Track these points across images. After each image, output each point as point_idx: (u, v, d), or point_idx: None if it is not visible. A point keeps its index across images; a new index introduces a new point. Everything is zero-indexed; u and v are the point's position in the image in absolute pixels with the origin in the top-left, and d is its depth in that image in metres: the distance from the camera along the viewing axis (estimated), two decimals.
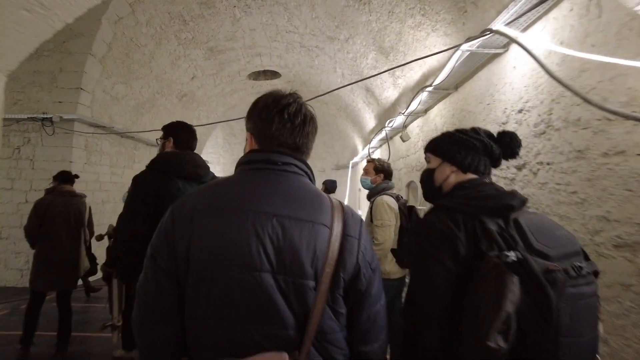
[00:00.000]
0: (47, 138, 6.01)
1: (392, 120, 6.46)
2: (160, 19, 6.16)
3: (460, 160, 1.32)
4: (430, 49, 4.85)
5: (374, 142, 8.43)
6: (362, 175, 3.60)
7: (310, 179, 1.12)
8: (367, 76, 5.22)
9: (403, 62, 5.92)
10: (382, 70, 5.58)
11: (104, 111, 6.54)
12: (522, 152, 3.02)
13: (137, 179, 2.15)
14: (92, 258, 4.04)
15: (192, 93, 9.62)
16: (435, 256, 1.12)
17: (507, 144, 1.34)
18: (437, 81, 4.18)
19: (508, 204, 1.15)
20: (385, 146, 8.18)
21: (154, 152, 5.26)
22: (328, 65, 8.91)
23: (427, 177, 1.43)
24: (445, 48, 3.92)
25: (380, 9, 5.40)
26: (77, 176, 4.06)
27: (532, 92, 2.97)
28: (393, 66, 6.51)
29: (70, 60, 5.86)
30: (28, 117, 5.98)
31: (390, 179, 3.52)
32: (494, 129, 1.43)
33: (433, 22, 4.49)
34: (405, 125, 6.23)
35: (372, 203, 3.41)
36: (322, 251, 0.96)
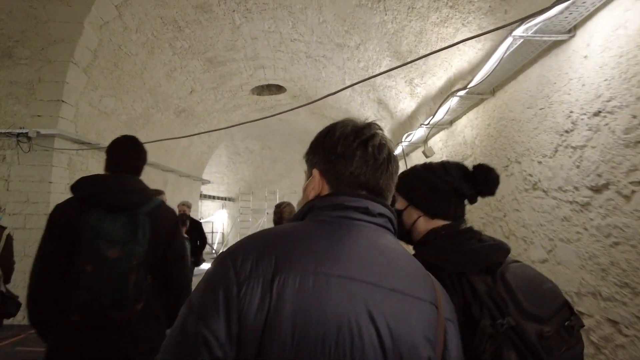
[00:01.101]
0: (24, 156, 5.36)
1: (410, 134, 5.74)
2: (152, 24, 5.56)
3: (427, 206, 1.21)
4: (460, 47, 4.15)
5: None
6: None
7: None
8: (366, 77, 4.52)
9: (422, 68, 5.24)
10: (387, 70, 4.88)
11: (90, 126, 5.88)
12: (604, 167, 2.26)
13: (53, 209, 1.77)
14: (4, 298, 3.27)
15: (191, 108, 9.01)
16: None
17: (483, 181, 1.21)
18: (476, 80, 3.45)
19: (497, 261, 1.09)
20: (400, 163, 7.48)
21: (149, 172, 4.53)
22: (336, 77, 8.27)
23: (398, 218, 1.18)
24: (480, 33, 3.19)
25: (398, 6, 4.74)
26: None
27: (618, 86, 2.22)
28: (408, 70, 5.83)
29: (49, 70, 5.24)
30: (1, 133, 5.34)
31: None
32: (552, 140, 1.18)
33: (464, 13, 3.80)
34: (427, 139, 5.49)
35: None
36: (435, 339, 0.76)
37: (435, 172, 1.22)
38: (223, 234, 16.25)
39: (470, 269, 1.06)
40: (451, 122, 5.11)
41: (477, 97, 4.05)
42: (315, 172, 0.91)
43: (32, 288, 1.69)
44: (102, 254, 1.62)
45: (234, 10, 6.03)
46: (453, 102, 4.02)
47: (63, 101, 5.35)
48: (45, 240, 1.73)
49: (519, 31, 2.50)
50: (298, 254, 0.74)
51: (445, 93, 5.05)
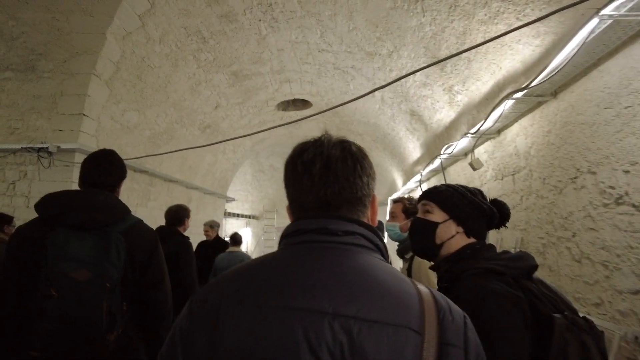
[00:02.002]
0: (45, 171, 5.17)
1: (450, 146, 5.25)
2: (176, 35, 5.35)
3: (471, 225, 1.34)
4: (512, 46, 3.69)
5: (423, 173, 7.18)
6: (388, 220, 2.51)
7: (383, 256, 0.81)
8: (392, 80, 4.12)
9: (464, 73, 4.79)
10: (414, 71, 4.45)
11: (112, 141, 5.67)
12: None
13: (16, 230, 1.67)
14: None
15: (216, 124, 8.80)
16: (514, 328, 1.05)
17: (501, 213, 1.39)
18: (541, 77, 2.97)
19: (534, 264, 1.22)
20: (436, 179, 6.94)
21: (172, 189, 4.20)
22: (365, 89, 7.90)
23: (425, 230, 1.37)
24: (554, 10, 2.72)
25: (438, 5, 4.34)
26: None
27: None
28: (447, 77, 5.38)
29: (72, 83, 5.07)
30: (22, 148, 5.17)
31: None
32: None
33: (520, 5, 3.35)
34: (474, 148, 4.99)
35: (408, 264, 2.41)
36: None
37: (477, 195, 1.37)
38: (247, 252, 15.92)
39: (521, 271, 1.18)
40: (499, 131, 4.61)
41: (535, 100, 3.56)
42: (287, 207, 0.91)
43: None
44: (69, 275, 1.46)
45: (260, 20, 5.79)
46: (506, 106, 3.54)
47: (85, 115, 5.16)
48: (4, 266, 1.56)
49: (609, 9, 2.03)
50: (243, 288, 0.74)
51: (491, 99, 4.57)
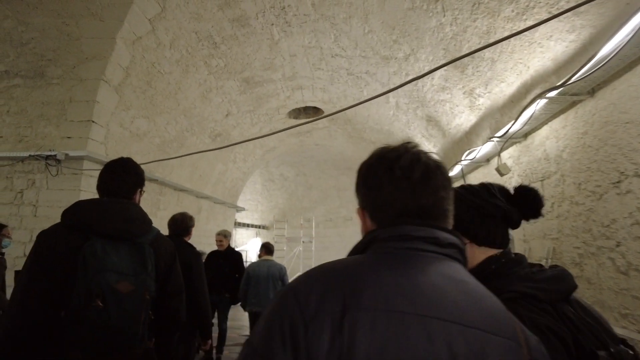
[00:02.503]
0: (53, 180, 5.03)
1: (473, 151, 5.00)
2: (187, 39, 5.22)
3: (475, 233, 1.12)
4: (542, 43, 3.46)
5: None
6: None
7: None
8: (397, 85, 3.93)
9: (487, 75, 4.56)
10: (427, 72, 4.23)
11: (121, 149, 5.53)
12: None
13: (41, 236, 1.58)
14: None
15: (226, 132, 8.67)
16: None
17: (530, 204, 1.12)
18: (583, 72, 2.73)
19: (574, 285, 1.05)
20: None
21: (182, 198, 4.00)
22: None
23: None
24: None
25: (460, 4, 4.13)
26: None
27: None
28: (468, 79, 5.15)
29: (81, 89, 4.95)
30: (30, 156, 5.04)
31: None
32: None
33: None
34: (499, 153, 4.74)
35: None
36: None
37: (481, 195, 1.14)
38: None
39: (560, 294, 1.02)
40: (526, 135, 4.36)
41: (569, 99, 3.32)
42: (359, 210, 0.90)
43: (11, 328, 1.46)
44: (113, 287, 1.50)
45: (272, 24, 5.65)
46: (537, 107, 3.30)
47: (93, 122, 5.03)
48: (30, 272, 1.50)
49: None
50: (367, 290, 0.69)
51: (517, 101, 4.34)
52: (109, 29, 4.61)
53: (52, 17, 4.50)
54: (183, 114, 6.54)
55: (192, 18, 4.98)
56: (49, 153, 4.99)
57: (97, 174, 4.41)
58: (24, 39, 4.58)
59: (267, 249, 5.32)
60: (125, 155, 5.23)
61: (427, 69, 5.81)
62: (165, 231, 4.05)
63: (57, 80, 5.03)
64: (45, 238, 1.58)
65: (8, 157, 5.13)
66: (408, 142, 0.89)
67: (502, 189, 1.17)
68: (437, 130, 7.13)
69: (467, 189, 1.19)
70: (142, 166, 3.74)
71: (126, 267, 1.55)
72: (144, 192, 1.93)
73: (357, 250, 0.84)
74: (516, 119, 3.68)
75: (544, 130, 4.00)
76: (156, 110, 5.87)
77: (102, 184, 1.79)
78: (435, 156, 0.85)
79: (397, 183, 0.81)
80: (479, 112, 5.21)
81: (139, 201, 1.89)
